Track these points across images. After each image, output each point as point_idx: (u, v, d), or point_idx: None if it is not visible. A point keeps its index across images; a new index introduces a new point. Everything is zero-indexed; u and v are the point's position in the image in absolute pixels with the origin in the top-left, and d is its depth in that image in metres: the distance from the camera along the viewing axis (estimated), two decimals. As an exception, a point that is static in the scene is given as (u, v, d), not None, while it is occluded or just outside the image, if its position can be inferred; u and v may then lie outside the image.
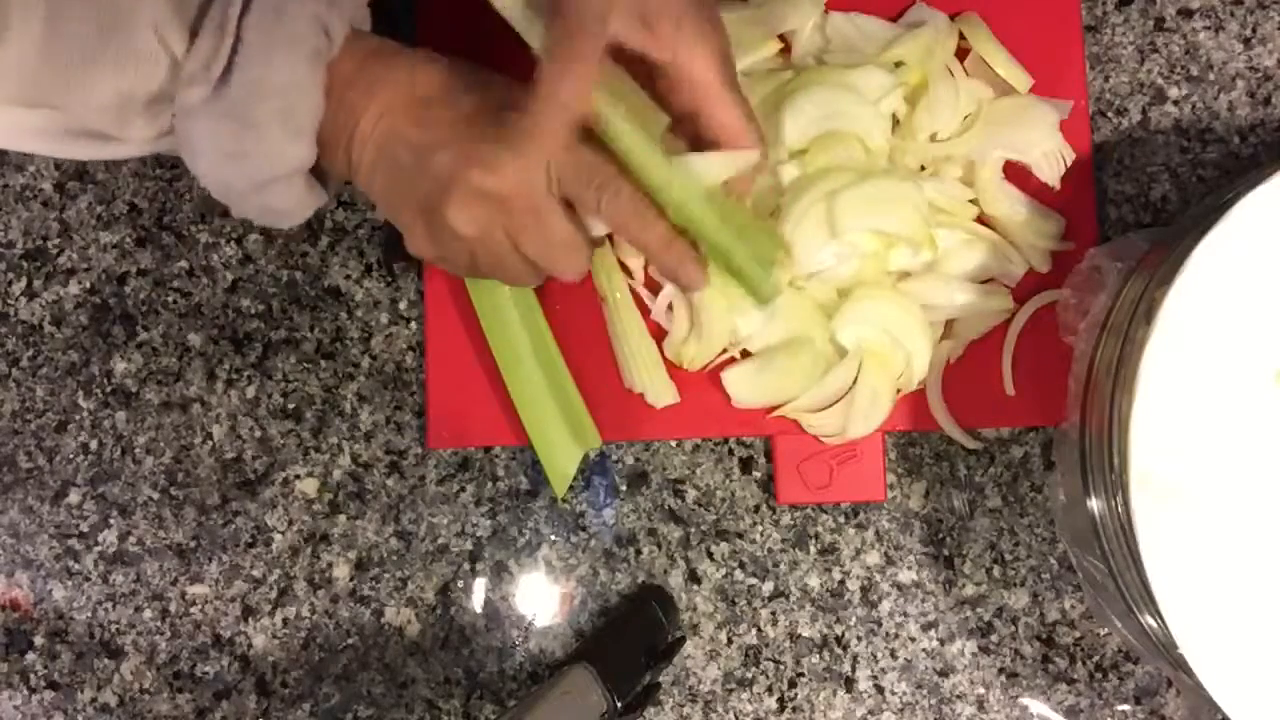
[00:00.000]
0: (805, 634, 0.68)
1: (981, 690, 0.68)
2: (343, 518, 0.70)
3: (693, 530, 0.69)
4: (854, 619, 0.68)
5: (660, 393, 0.67)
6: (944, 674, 0.68)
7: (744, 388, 0.67)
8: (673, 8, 0.51)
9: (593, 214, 0.53)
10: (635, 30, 0.51)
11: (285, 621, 0.69)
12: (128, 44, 0.48)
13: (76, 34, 0.48)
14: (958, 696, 0.68)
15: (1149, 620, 0.58)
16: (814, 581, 0.69)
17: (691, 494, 0.69)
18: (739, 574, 0.69)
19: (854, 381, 0.66)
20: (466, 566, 0.69)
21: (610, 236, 0.67)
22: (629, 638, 0.66)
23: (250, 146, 0.50)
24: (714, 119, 0.53)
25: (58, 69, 0.48)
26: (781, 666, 0.68)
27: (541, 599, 0.69)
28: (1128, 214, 0.70)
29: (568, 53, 0.50)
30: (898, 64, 0.67)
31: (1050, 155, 0.68)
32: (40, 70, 0.48)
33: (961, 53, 0.69)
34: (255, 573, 0.70)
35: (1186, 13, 0.71)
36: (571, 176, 0.52)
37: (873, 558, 0.69)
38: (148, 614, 0.70)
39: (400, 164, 0.53)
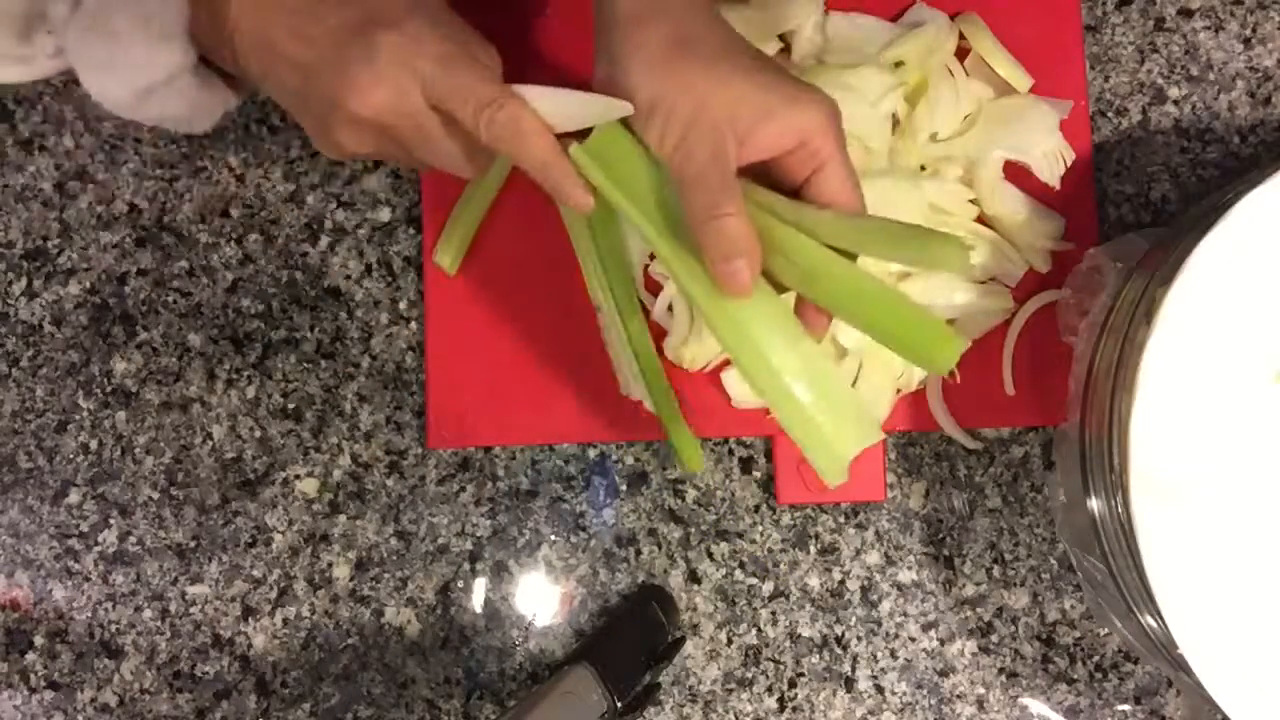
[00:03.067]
0: (805, 634, 0.68)
1: (981, 690, 0.68)
2: (343, 518, 0.70)
3: (693, 530, 0.69)
4: (854, 619, 0.68)
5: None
6: (944, 674, 0.68)
7: (744, 388, 0.67)
8: (767, 103, 0.49)
9: (472, 131, 0.51)
10: (748, 152, 0.50)
11: (285, 621, 0.69)
12: None
13: None
14: (958, 696, 0.68)
15: (1149, 620, 0.58)
16: (814, 581, 0.69)
17: (691, 494, 0.69)
18: (739, 574, 0.69)
19: (854, 381, 0.66)
20: (466, 566, 0.69)
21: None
22: (629, 638, 0.66)
23: (118, 56, 0.50)
24: (828, 185, 0.51)
25: None
26: (781, 666, 0.68)
27: (541, 599, 0.69)
28: (1128, 214, 0.70)
29: (711, 212, 0.49)
30: (898, 64, 0.67)
31: (1050, 155, 0.68)
32: None
33: (961, 53, 0.69)
34: (255, 573, 0.70)
35: (1186, 13, 0.71)
36: (446, 94, 0.50)
37: (873, 558, 0.69)
38: (148, 614, 0.70)
39: (285, 83, 0.52)
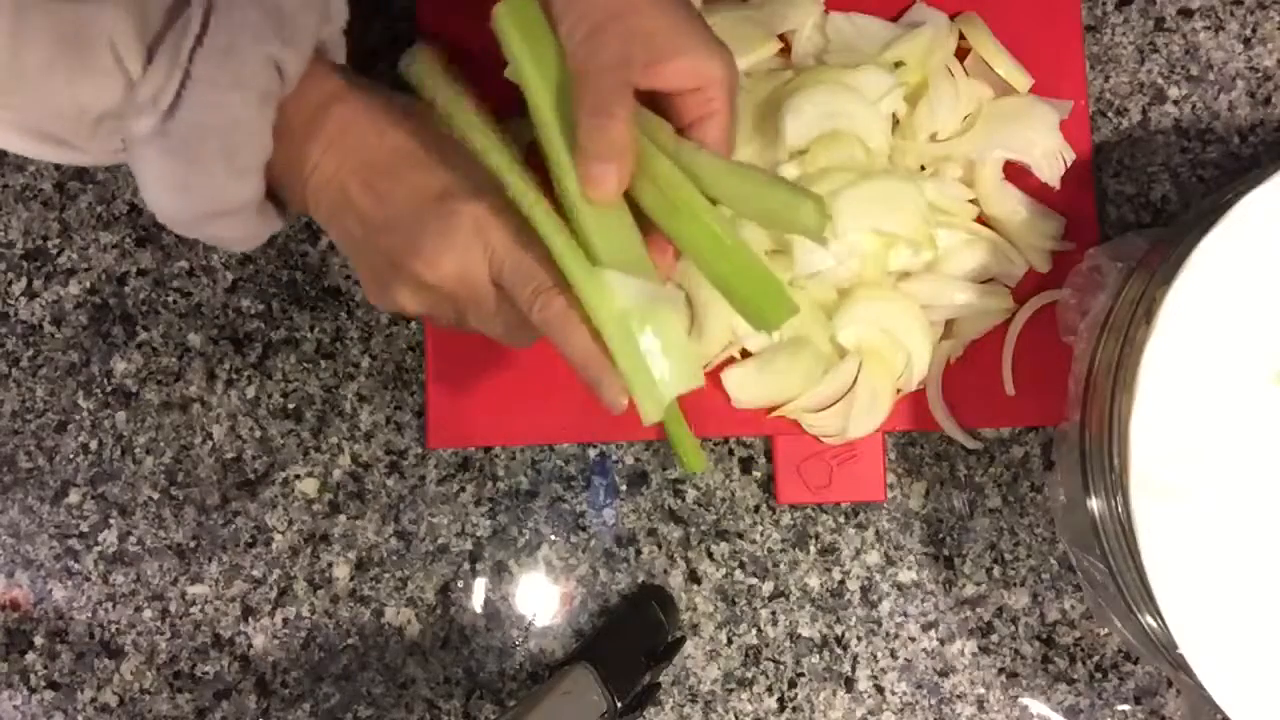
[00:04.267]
0: (805, 634, 0.68)
1: (981, 690, 0.68)
2: (343, 518, 0.70)
3: (693, 530, 0.69)
4: (854, 619, 0.68)
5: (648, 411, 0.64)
6: (944, 674, 0.68)
7: (744, 388, 0.67)
8: (681, 41, 0.51)
9: (524, 312, 0.52)
10: (652, 75, 0.51)
11: (285, 621, 0.69)
12: (85, 57, 0.48)
13: (38, 39, 0.47)
14: (958, 696, 0.68)
15: (1149, 620, 0.58)
16: (814, 581, 0.69)
17: (691, 494, 0.69)
18: (739, 574, 0.69)
19: (854, 381, 0.66)
20: (466, 566, 0.69)
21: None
22: (629, 638, 0.66)
23: (194, 181, 0.50)
24: (710, 134, 0.53)
25: (16, 72, 0.48)
26: (781, 666, 0.68)
27: (541, 599, 0.69)
28: (1128, 214, 0.70)
29: (600, 110, 0.50)
30: (898, 64, 0.67)
31: (1050, 155, 0.68)
32: (1, 70, 0.48)
33: (961, 53, 0.69)
34: (255, 573, 0.70)
35: (1186, 13, 0.71)
36: (509, 274, 0.52)
37: (873, 558, 0.69)
38: (148, 614, 0.70)
39: (350, 232, 0.53)
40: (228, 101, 0.49)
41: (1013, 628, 0.68)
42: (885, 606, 0.68)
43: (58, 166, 0.71)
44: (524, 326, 0.53)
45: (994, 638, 0.68)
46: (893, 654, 0.68)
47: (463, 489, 0.70)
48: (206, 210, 0.51)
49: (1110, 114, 0.70)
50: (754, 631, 0.68)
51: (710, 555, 0.69)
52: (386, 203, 0.52)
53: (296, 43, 0.50)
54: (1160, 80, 0.70)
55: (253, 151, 0.50)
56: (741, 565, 0.69)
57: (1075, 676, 0.68)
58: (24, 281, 0.72)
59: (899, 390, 0.67)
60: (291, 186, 0.53)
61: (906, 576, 0.68)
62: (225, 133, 0.49)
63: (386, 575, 0.69)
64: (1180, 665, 0.56)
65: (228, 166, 0.50)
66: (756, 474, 0.69)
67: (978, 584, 0.68)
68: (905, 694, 0.68)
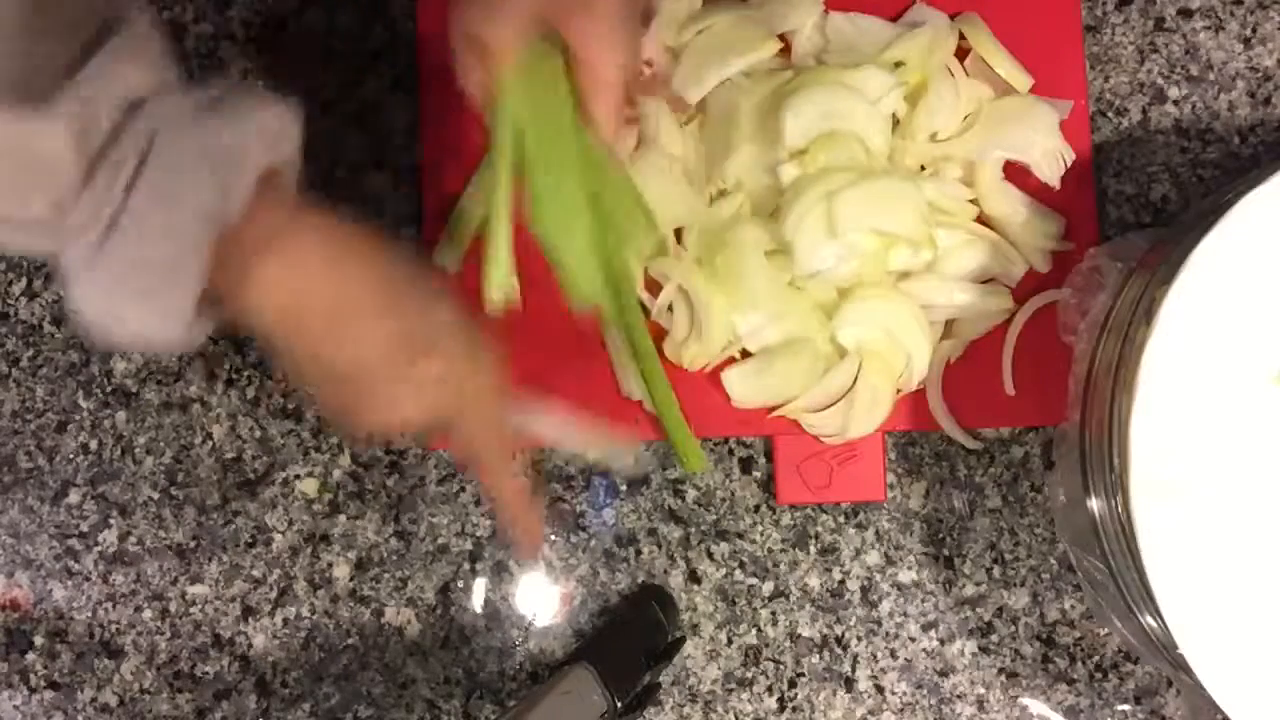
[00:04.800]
0: (805, 634, 0.68)
1: (981, 690, 0.68)
2: (343, 518, 0.70)
3: (693, 530, 0.69)
4: (854, 619, 0.68)
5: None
6: (944, 674, 0.68)
7: (744, 388, 0.67)
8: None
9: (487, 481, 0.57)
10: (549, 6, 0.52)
11: (285, 621, 0.69)
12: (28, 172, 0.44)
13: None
14: (958, 696, 0.68)
15: (1149, 620, 0.58)
16: (814, 581, 0.69)
17: (691, 494, 0.69)
18: (739, 574, 0.69)
19: (854, 381, 0.66)
20: (466, 566, 0.69)
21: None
22: (629, 638, 0.66)
23: (126, 313, 0.47)
24: (595, 111, 0.55)
25: None
26: (781, 666, 0.68)
27: (541, 599, 0.69)
28: (1128, 214, 0.70)
29: (490, 20, 0.52)
30: (898, 64, 0.67)
31: (1050, 155, 0.68)
32: None
33: (961, 53, 0.69)
34: (255, 573, 0.70)
35: (1186, 13, 0.71)
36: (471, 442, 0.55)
37: (873, 558, 0.69)
38: (148, 614, 0.70)
39: (303, 370, 0.52)
40: (166, 239, 0.46)
41: (1013, 628, 0.68)
42: (885, 606, 0.68)
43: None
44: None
45: (994, 638, 0.68)
46: (893, 654, 0.68)
47: (463, 489, 0.70)
48: (133, 333, 0.48)
49: (1110, 114, 0.70)
50: (754, 631, 0.68)
51: (710, 555, 0.69)
52: (336, 349, 0.51)
53: (242, 166, 0.47)
54: (1160, 80, 0.70)
55: (186, 290, 0.47)
56: (741, 565, 0.69)
57: (1075, 676, 0.68)
58: (24, 281, 0.72)
59: (899, 390, 0.67)
60: (231, 303, 0.50)
61: (906, 576, 0.68)
62: (161, 272, 0.46)
63: (386, 575, 0.69)
64: (1180, 665, 0.56)
65: (160, 307, 0.47)
66: (756, 474, 0.69)
67: (978, 584, 0.68)
68: (905, 694, 0.68)
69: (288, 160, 0.50)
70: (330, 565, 0.69)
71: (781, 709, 0.68)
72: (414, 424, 0.53)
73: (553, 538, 0.69)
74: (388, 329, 0.51)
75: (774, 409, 0.67)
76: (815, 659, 0.68)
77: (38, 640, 0.70)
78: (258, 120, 0.47)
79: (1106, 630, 0.68)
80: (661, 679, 0.68)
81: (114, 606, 0.70)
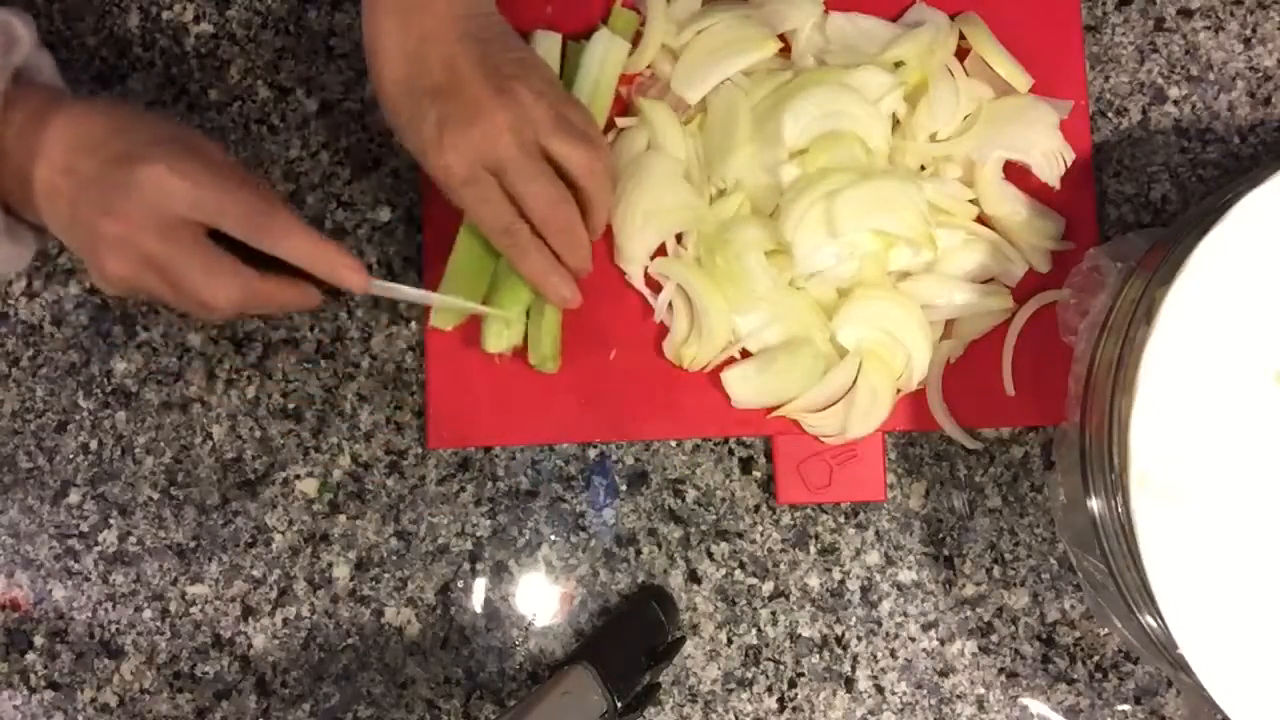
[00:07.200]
0: (805, 634, 0.68)
1: (981, 690, 0.68)
2: (343, 518, 0.70)
3: (693, 530, 0.69)
4: (854, 619, 0.68)
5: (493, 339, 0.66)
6: (944, 674, 0.68)
7: (744, 388, 0.67)
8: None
9: (245, 239, 0.55)
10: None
11: (285, 621, 0.69)
12: None
13: None
14: (958, 696, 0.68)
15: (1149, 620, 0.58)
16: (814, 581, 0.69)
17: (691, 494, 0.69)
18: (739, 574, 0.69)
19: (854, 381, 0.66)
20: (466, 566, 0.69)
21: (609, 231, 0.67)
22: (629, 638, 0.66)
23: None
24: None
25: None
26: (781, 666, 0.68)
27: (541, 599, 0.69)
28: (1128, 214, 0.70)
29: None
30: (898, 64, 0.67)
31: (1050, 155, 0.68)
32: None
33: (961, 53, 0.69)
34: (255, 573, 0.70)
35: (1186, 13, 0.71)
36: (214, 209, 0.54)
37: (873, 558, 0.69)
38: (148, 614, 0.70)
39: (62, 214, 0.54)
40: None
41: (1013, 628, 0.68)
42: (885, 606, 0.68)
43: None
44: (226, 275, 0.54)
45: (994, 638, 0.68)
46: (893, 654, 0.68)
47: (463, 489, 0.70)
48: None
49: (1110, 114, 0.70)
50: (754, 631, 0.68)
51: (710, 555, 0.69)
52: (82, 174, 0.53)
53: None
54: (1160, 80, 0.70)
55: None
56: (741, 565, 0.69)
57: (1075, 676, 0.68)
58: (24, 281, 0.72)
59: (899, 390, 0.67)
60: (25, 204, 0.54)
61: (906, 576, 0.68)
62: None
63: (386, 575, 0.69)
64: (1180, 665, 0.56)
65: None
66: (756, 474, 0.69)
67: (978, 584, 0.68)
68: (905, 694, 0.68)
69: (31, 62, 0.55)
70: (330, 565, 0.69)
71: (781, 709, 0.68)
72: (126, 280, 0.54)
73: (553, 538, 0.69)
74: (121, 142, 0.53)
75: (774, 409, 0.67)
76: (815, 659, 0.68)
77: (38, 640, 0.70)
78: None
79: (1106, 630, 0.68)
80: (661, 679, 0.68)
81: (114, 606, 0.70)
